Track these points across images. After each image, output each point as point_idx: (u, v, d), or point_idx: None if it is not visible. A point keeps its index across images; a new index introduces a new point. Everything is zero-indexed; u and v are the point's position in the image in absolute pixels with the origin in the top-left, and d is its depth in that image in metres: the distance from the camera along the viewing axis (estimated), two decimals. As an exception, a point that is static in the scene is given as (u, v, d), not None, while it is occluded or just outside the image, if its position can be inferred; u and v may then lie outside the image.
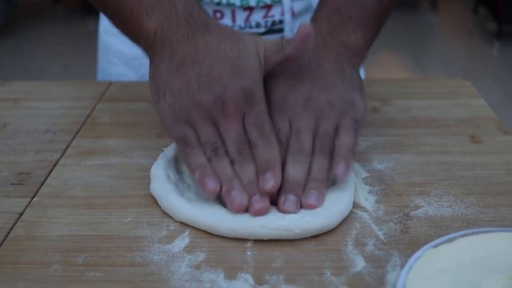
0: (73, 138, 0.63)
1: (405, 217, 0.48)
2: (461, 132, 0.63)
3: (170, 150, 0.56)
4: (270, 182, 0.47)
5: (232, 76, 0.50)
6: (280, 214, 0.47)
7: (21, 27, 3.77)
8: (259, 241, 0.46)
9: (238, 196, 0.47)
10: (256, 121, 0.50)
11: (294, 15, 0.78)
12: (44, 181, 0.55)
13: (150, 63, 0.54)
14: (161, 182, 0.51)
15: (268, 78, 0.53)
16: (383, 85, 0.76)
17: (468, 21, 3.91)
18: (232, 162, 0.49)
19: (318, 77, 0.53)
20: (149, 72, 0.53)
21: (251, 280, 0.41)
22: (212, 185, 0.48)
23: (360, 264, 0.43)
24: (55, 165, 0.57)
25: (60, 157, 0.59)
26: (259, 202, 0.47)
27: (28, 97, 0.73)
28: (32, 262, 0.44)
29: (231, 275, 0.42)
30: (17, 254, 0.45)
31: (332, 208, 0.47)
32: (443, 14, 4.11)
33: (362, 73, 0.86)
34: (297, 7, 0.78)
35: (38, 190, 0.53)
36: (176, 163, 0.55)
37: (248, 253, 0.44)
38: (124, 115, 0.67)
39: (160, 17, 0.52)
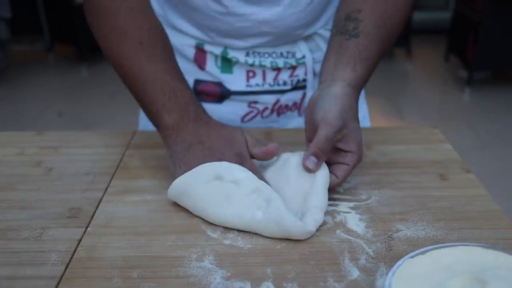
0: (111, 179, 0.75)
1: (389, 238, 0.61)
2: (432, 172, 0.76)
3: None
4: None
5: (227, 145, 0.69)
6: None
7: (16, 75, 3.88)
8: (275, 259, 0.58)
9: None
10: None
11: (315, 74, 0.93)
12: (93, 214, 0.66)
13: (166, 147, 0.72)
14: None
15: None
16: (366, 133, 0.89)
17: (440, 68, 4.13)
18: None
19: None
20: (167, 153, 0.72)
21: (272, 287, 0.53)
22: None
23: (355, 273, 0.55)
24: (100, 201, 0.69)
25: (103, 195, 0.71)
26: None
27: (65, 145, 0.85)
28: (97, 277, 0.55)
29: (256, 283, 0.54)
30: (84, 271, 0.56)
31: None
32: (417, 61, 4.33)
33: (368, 121, 1.02)
34: (318, 67, 0.92)
35: (90, 222, 0.65)
36: None
37: (267, 267, 0.56)
38: (151, 159, 0.80)
39: (177, 116, 0.71)
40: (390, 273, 0.51)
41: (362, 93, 1.03)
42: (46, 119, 3.18)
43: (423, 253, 0.53)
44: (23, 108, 3.36)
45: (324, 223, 0.64)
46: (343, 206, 0.68)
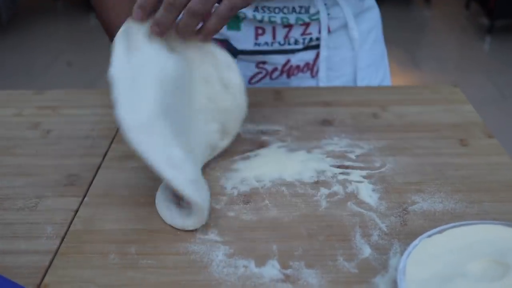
0: (111, 143, 0.71)
1: (404, 211, 0.57)
2: (451, 136, 0.71)
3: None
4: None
5: None
6: None
7: (24, 25, 3.81)
8: (282, 234, 0.54)
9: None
10: None
11: (330, 32, 0.86)
12: (92, 182, 0.63)
13: None
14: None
15: None
16: (381, 92, 0.84)
17: (460, 16, 3.99)
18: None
19: None
20: None
21: (277, 266, 0.50)
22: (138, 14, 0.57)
23: (367, 251, 0.52)
24: (99, 168, 0.66)
25: (102, 161, 0.67)
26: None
27: (64, 105, 0.81)
28: (93, 252, 0.52)
29: (260, 261, 0.51)
30: (80, 245, 0.53)
31: None
32: (436, 9, 4.19)
33: (389, 81, 0.94)
34: (333, 25, 0.86)
35: (87, 190, 0.62)
36: None
37: (273, 244, 0.53)
38: (154, 122, 0.75)
39: None
40: (405, 254, 0.47)
41: (384, 50, 0.98)
42: (55, 69, 3.13)
43: (440, 231, 0.50)
44: (32, 57, 3.31)
45: (334, 193, 0.60)
46: (355, 175, 0.63)
